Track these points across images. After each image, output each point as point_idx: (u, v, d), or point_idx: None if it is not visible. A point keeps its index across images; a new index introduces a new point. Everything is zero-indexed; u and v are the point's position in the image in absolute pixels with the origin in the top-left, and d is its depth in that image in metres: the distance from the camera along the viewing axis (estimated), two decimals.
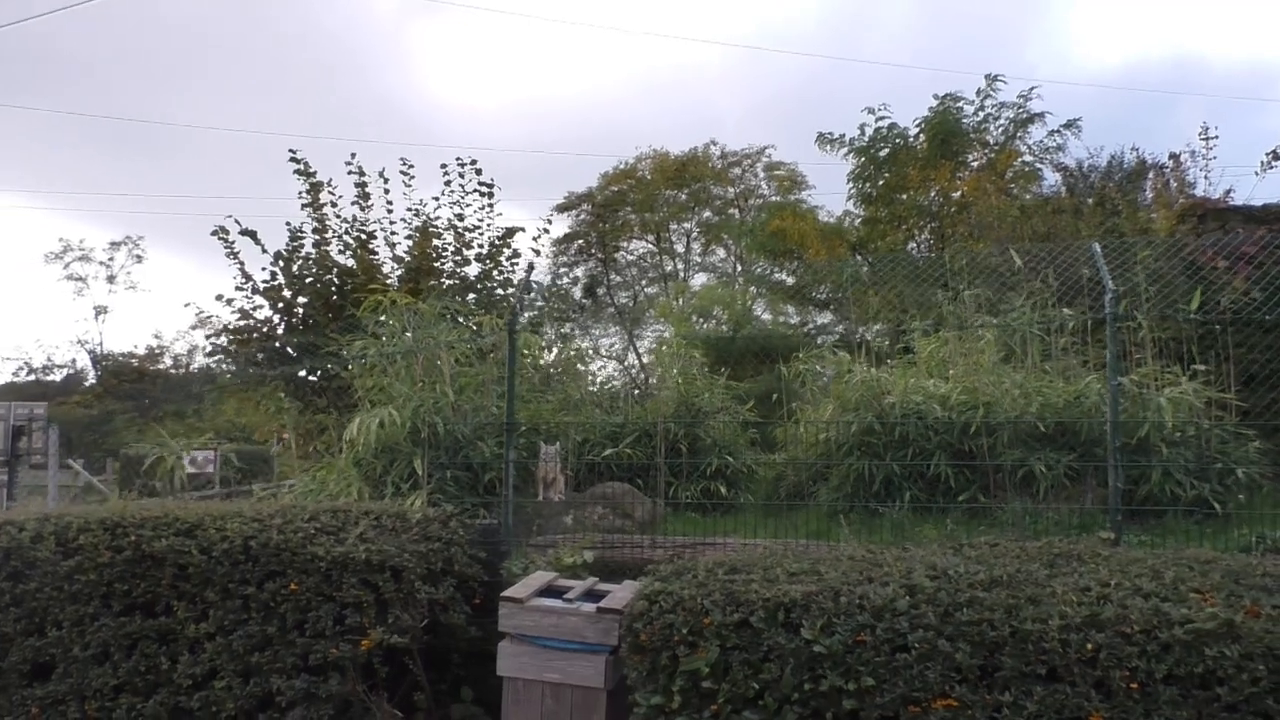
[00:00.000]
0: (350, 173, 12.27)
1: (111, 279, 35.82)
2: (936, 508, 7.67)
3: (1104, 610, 3.42)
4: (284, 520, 4.73)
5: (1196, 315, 7.52)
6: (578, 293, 34.79)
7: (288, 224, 12.24)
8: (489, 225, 12.50)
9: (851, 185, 21.97)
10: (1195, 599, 3.54)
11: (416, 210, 12.45)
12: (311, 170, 12.12)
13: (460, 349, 8.37)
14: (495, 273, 12.47)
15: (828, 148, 21.22)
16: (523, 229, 12.67)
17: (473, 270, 12.27)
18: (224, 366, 12.53)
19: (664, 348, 10.63)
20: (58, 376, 33.96)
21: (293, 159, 12.00)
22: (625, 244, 35.64)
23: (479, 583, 5.21)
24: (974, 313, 8.88)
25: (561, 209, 32.80)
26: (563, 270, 34.70)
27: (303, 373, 11.02)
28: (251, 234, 11.54)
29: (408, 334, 8.14)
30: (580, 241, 34.19)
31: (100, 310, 34.73)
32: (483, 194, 12.52)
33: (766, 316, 29.33)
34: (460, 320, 10.06)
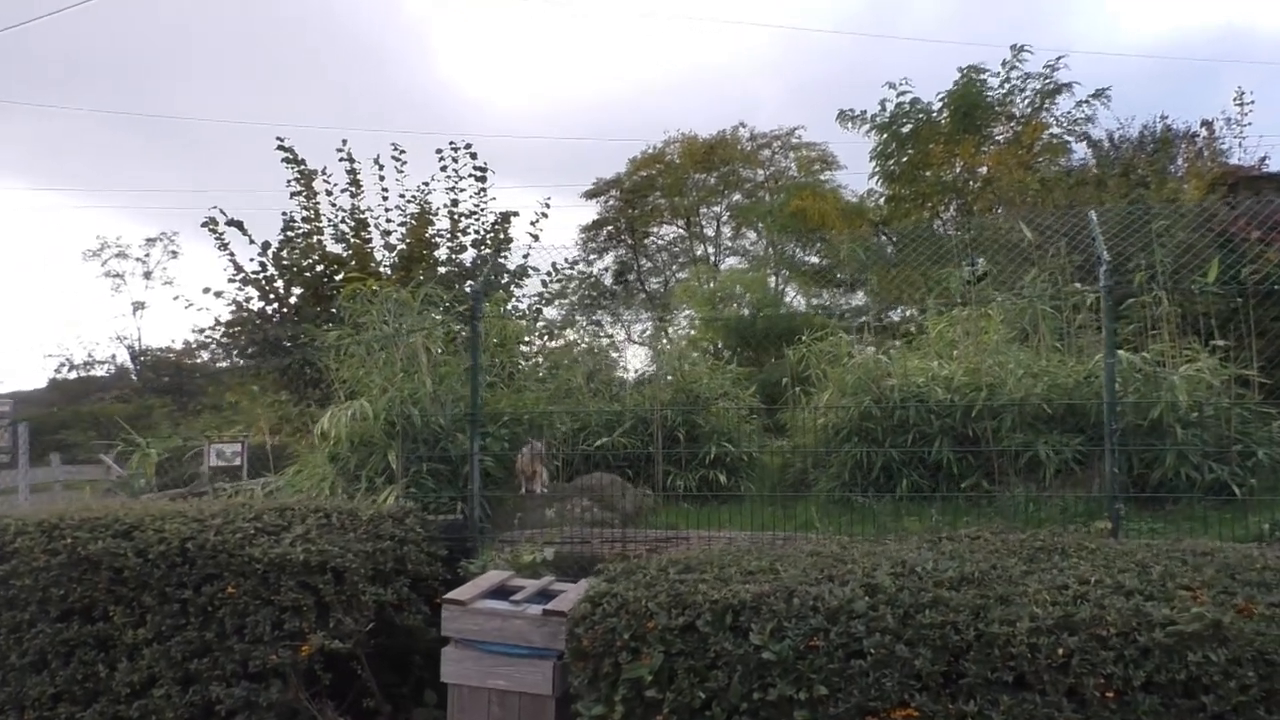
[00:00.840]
0: (341, 160, 12.13)
1: (148, 275, 36.11)
2: (939, 495, 7.39)
3: (1079, 611, 3.15)
4: (224, 520, 4.56)
5: (1213, 287, 7.13)
6: (608, 279, 34.86)
7: (283, 214, 12.15)
8: (483, 210, 12.31)
9: (874, 163, 21.63)
10: (1183, 597, 3.25)
11: (411, 197, 12.28)
12: (300, 159, 11.99)
13: (439, 337, 8.16)
14: (494, 258, 12.27)
15: (849, 125, 20.83)
16: (517, 213, 12.46)
17: (470, 256, 12.09)
18: (218, 359, 12.48)
19: (664, 332, 10.33)
20: (99, 372, 34.39)
21: (280, 147, 11.85)
22: (655, 229, 35.59)
23: (440, 581, 5.03)
24: (979, 289, 8.53)
25: (590, 195, 32.84)
26: (592, 257, 34.80)
27: (288, 364, 10.88)
28: (238, 224, 11.43)
29: (385, 323, 7.94)
30: (609, 228, 34.19)
31: (138, 306, 35.02)
32: (477, 178, 12.32)
33: (800, 300, 29.03)
34: (452, 307, 9.86)
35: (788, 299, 28.33)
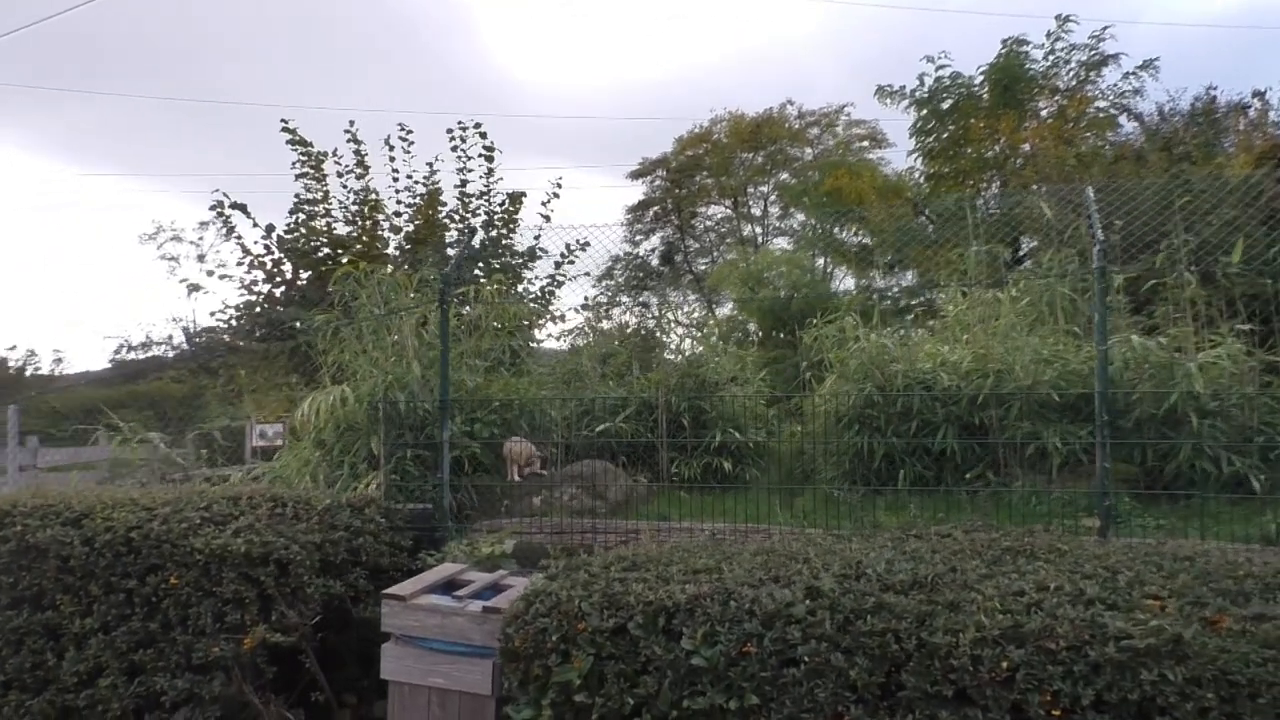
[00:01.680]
0: (348, 141, 12.08)
1: (201, 258, 36.86)
2: (943, 488, 7.16)
3: (1028, 620, 2.95)
4: (173, 509, 4.50)
5: (1238, 268, 6.77)
6: (654, 260, 34.94)
7: (296, 196, 12.14)
8: (490, 191, 12.20)
9: (913, 139, 21.24)
10: (1149, 607, 3.04)
11: (421, 179, 12.21)
12: (308, 142, 11.96)
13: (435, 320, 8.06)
14: (504, 239, 12.17)
15: (888, 101, 20.43)
16: (525, 194, 12.32)
17: (479, 240, 11.98)
18: (235, 342, 12.51)
19: (671, 314, 10.12)
20: (156, 352, 35.19)
21: (285, 129, 11.83)
22: (703, 209, 35.57)
23: (402, 572, 4.93)
24: (993, 269, 8.23)
25: (635, 175, 32.82)
26: (639, 238, 34.88)
27: (292, 347, 10.88)
28: (241, 207, 11.43)
29: (375, 307, 7.86)
30: (655, 208, 34.21)
31: (193, 288, 35.76)
32: (486, 158, 12.21)
33: (850, 281, 28.71)
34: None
35: (837, 281, 28.06)
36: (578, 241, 11.54)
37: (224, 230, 11.65)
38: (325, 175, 12.02)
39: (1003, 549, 3.76)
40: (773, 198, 35.15)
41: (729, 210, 36.05)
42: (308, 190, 11.70)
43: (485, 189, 12.24)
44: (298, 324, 10.00)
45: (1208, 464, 6.20)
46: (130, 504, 4.63)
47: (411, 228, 11.91)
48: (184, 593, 4.25)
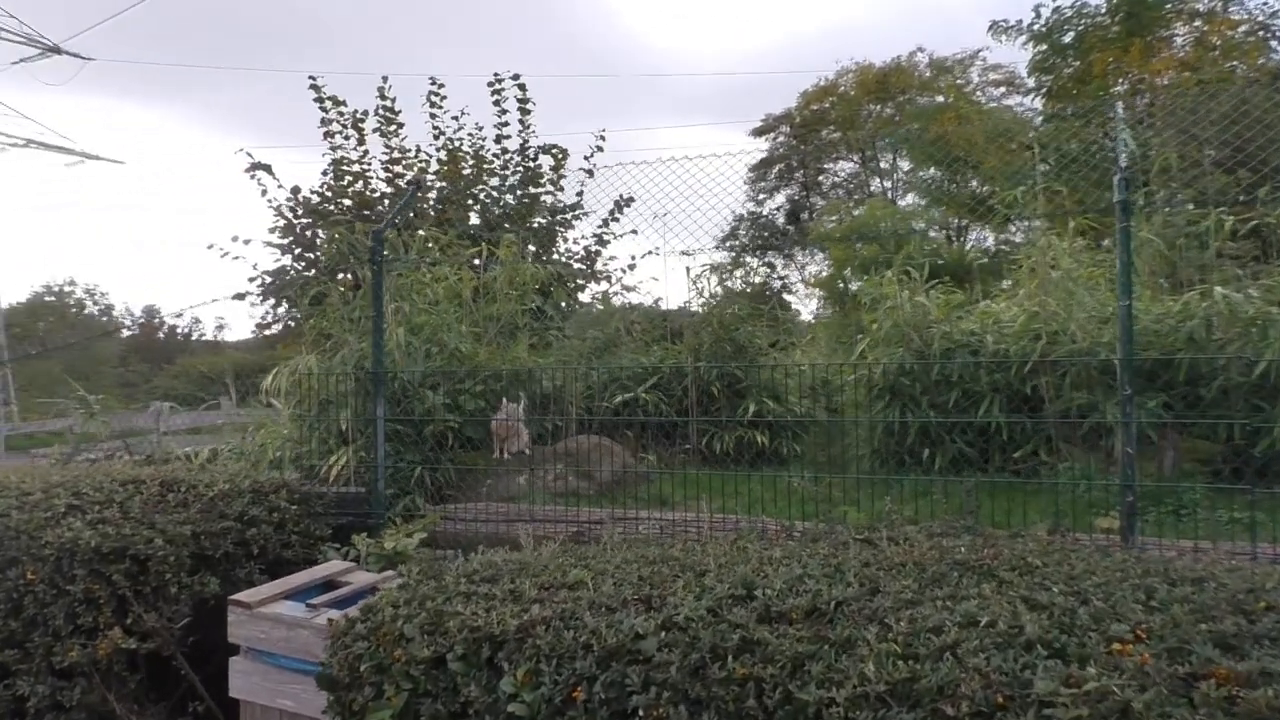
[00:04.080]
0: (380, 98, 11.72)
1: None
2: (993, 466, 6.30)
3: (928, 673, 2.24)
4: (45, 495, 4.17)
5: None
6: (780, 219, 34.48)
7: (334, 158, 11.88)
8: (527, 145, 11.65)
9: (1031, 78, 19.86)
10: (1112, 655, 2.28)
11: (449, 136, 11.77)
12: (341, 100, 11.66)
13: (433, 285, 7.61)
14: (539, 197, 11.64)
15: (1002, 38, 19.05)
16: (557, 146, 11.72)
17: (511, 198, 11.49)
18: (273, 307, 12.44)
19: (698, 273, 9.33)
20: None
21: (312, 87, 11.52)
22: (830, 165, 34.78)
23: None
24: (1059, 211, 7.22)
25: (759, 132, 32.51)
26: (762, 196, 34.34)
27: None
28: (266, 167, 11.21)
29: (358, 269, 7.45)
30: (780, 166, 33.57)
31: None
32: (522, 110, 11.66)
33: (984, 236, 27.45)
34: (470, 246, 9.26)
35: (973, 235, 26.95)
36: (623, 197, 10.94)
37: (262, 194, 11.50)
38: (362, 132, 11.73)
39: (954, 562, 3.01)
40: (902, 150, 33.99)
41: (857, 165, 35.10)
42: (333, 150, 11.40)
43: (523, 143, 11.73)
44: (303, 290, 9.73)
45: None
46: (12, 488, 4.32)
47: (441, 186, 11.47)
48: (39, 590, 3.91)
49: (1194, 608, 2.52)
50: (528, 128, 11.75)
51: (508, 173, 11.64)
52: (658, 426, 7.77)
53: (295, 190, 11.23)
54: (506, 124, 11.78)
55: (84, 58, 26.03)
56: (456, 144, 11.68)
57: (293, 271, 11.41)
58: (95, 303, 49.53)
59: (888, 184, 34.91)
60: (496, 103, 11.93)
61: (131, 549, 3.87)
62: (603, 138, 12.17)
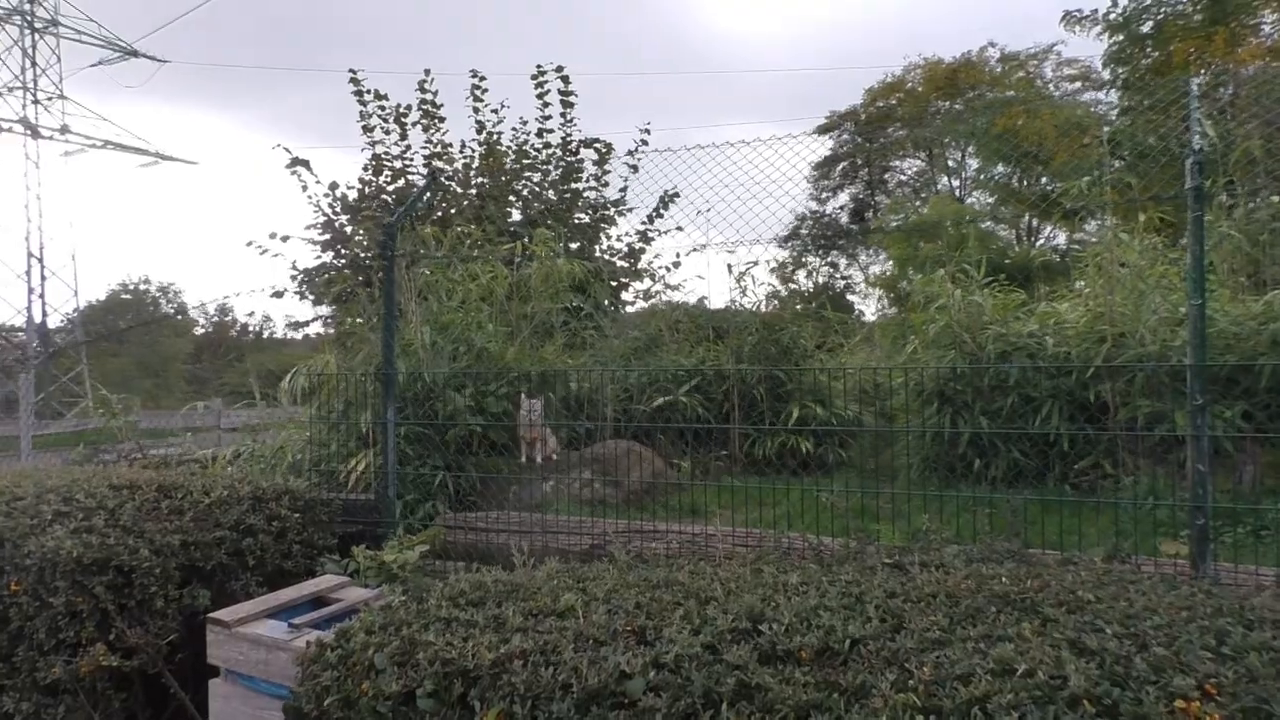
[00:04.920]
0: (421, 91, 11.60)
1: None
2: (1052, 479, 5.89)
3: None
4: (35, 500, 4.02)
5: None
6: (844, 217, 34.34)
7: (373, 152, 11.82)
8: (569, 139, 11.44)
9: (1107, 70, 19.24)
10: (1176, 713, 1.94)
11: (490, 130, 11.60)
12: (383, 95, 11.58)
13: (465, 282, 7.42)
14: (582, 192, 11.43)
15: (1077, 29, 18.45)
16: (599, 140, 11.48)
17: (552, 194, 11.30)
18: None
19: (738, 271, 8.98)
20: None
21: (353, 80, 11.44)
22: (896, 163, 34.37)
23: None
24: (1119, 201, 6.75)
25: (823, 130, 32.33)
26: (825, 195, 34.10)
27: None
28: (305, 163, 11.15)
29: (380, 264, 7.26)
30: (844, 164, 33.26)
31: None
32: (565, 103, 11.46)
33: (1056, 235, 26.88)
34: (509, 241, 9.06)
35: (1045, 234, 26.43)
36: (668, 191, 10.67)
37: (303, 190, 11.46)
38: (405, 126, 11.64)
39: (992, 594, 2.67)
40: (970, 147, 33.37)
41: (924, 163, 34.59)
42: (372, 144, 11.32)
43: (565, 138, 11.53)
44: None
45: None
46: (5, 493, 4.19)
47: (480, 181, 11.32)
48: (23, 601, 3.76)
49: (1274, 657, 2.16)
50: (570, 121, 11.57)
51: (549, 167, 11.45)
52: (695, 431, 7.48)
53: (334, 186, 11.18)
54: (549, 117, 11.61)
55: (160, 60, 26.55)
56: (497, 137, 11.51)
57: (333, 270, 11.35)
58: (169, 301, 50.77)
59: (955, 182, 34.27)
60: (540, 95, 11.76)
61: (115, 560, 3.69)
62: (647, 131, 11.92)
